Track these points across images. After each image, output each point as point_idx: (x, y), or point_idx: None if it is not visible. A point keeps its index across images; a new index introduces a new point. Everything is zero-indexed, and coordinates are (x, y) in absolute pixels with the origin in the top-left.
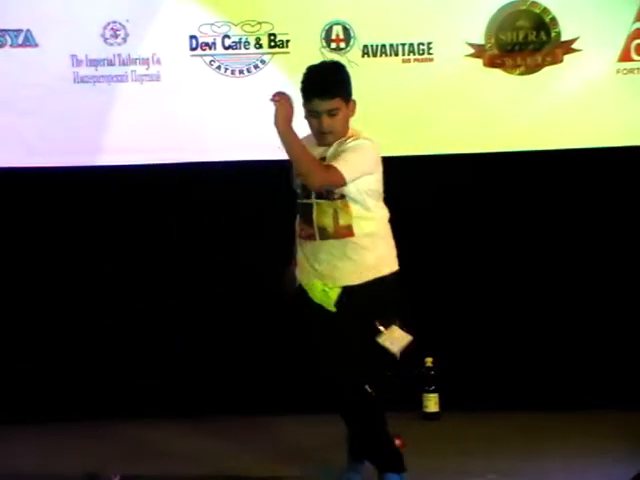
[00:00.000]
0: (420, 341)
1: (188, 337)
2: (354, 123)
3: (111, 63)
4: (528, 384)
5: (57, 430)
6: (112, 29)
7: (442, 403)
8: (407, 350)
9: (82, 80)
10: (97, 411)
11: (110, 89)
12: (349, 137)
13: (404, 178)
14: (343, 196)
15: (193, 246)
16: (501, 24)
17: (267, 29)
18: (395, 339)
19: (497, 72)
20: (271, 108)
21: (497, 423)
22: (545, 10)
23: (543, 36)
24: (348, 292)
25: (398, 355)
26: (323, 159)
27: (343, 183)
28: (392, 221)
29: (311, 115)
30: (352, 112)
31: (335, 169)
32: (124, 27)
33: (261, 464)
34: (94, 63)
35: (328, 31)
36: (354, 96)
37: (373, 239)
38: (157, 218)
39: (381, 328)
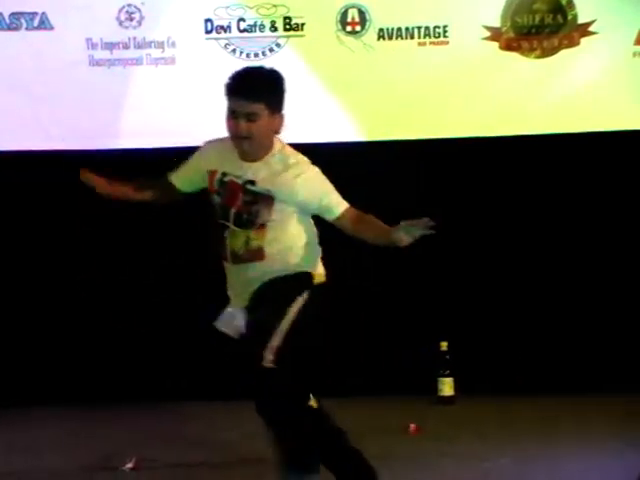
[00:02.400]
0: (435, 325)
1: (200, 321)
2: None
3: (126, 46)
4: (543, 368)
5: (73, 414)
6: (127, 12)
7: (457, 387)
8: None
9: (97, 63)
10: (112, 396)
11: (125, 72)
12: (280, 152)
13: (419, 162)
14: (263, 225)
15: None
16: (517, 7)
17: (282, 12)
18: (229, 320)
19: (513, 55)
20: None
21: (512, 407)
22: None
23: (560, 19)
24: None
25: (234, 334)
26: (251, 182)
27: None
28: (408, 206)
29: (230, 115)
30: (278, 127)
31: (350, 212)
32: (139, 10)
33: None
34: (109, 46)
35: (344, 14)
36: (368, 79)
37: (283, 257)
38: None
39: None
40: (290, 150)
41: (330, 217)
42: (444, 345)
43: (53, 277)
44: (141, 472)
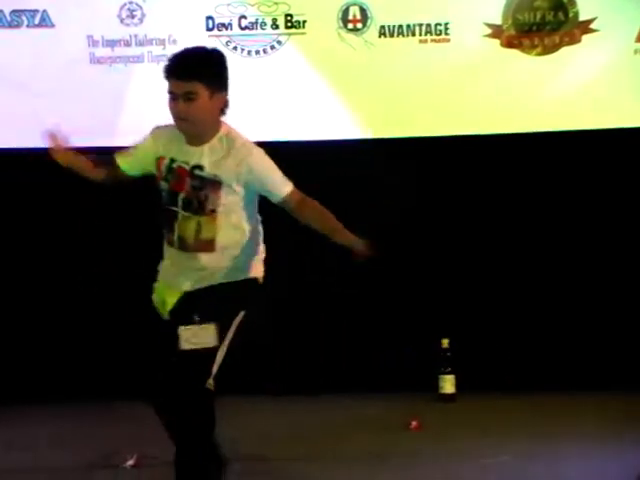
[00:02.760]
0: (436, 323)
1: None
2: None
3: (127, 44)
4: (543, 366)
5: (73, 412)
6: (128, 9)
7: (458, 384)
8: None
9: (98, 61)
10: (113, 393)
11: (126, 70)
12: (226, 136)
13: (420, 159)
14: (214, 210)
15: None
16: (519, 4)
17: (284, 9)
18: (197, 336)
19: (514, 53)
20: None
21: (512, 405)
22: None
23: (561, 16)
24: (186, 298)
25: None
26: (199, 167)
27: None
28: (410, 203)
29: (170, 97)
30: (219, 107)
31: (292, 194)
32: (140, 7)
33: (277, 446)
34: (110, 44)
35: (345, 11)
36: (369, 76)
37: (232, 251)
38: None
39: (195, 319)
40: (236, 133)
41: (275, 198)
42: (445, 343)
43: (54, 275)
44: (142, 470)
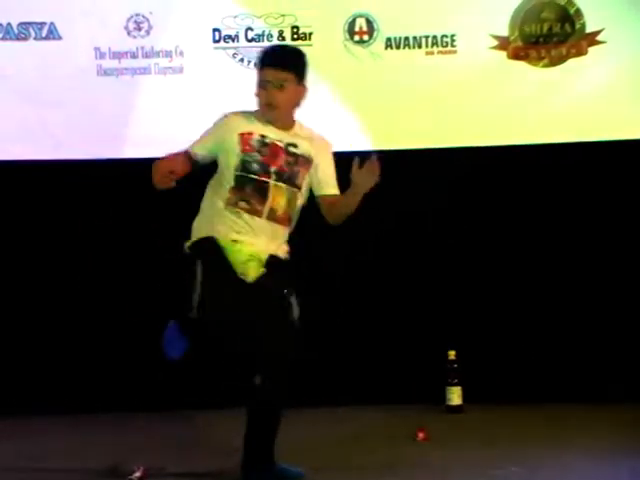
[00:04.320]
0: (443, 334)
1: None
2: None
3: (134, 56)
4: (551, 376)
5: (80, 423)
6: (135, 21)
7: (465, 396)
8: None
9: (105, 73)
10: (121, 403)
11: (133, 82)
12: (302, 126)
13: (426, 170)
14: (300, 187)
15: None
16: (525, 16)
17: (290, 21)
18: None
19: (521, 64)
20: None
21: (520, 416)
22: (570, 2)
23: (568, 28)
24: (270, 263)
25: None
26: (293, 145)
27: None
28: (416, 214)
29: (261, 86)
30: (301, 98)
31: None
32: (147, 19)
33: (284, 457)
34: (117, 56)
35: (351, 23)
36: (376, 88)
37: (289, 231)
38: (181, 209)
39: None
40: (305, 125)
41: (328, 191)
42: (452, 354)
43: (61, 285)
44: None
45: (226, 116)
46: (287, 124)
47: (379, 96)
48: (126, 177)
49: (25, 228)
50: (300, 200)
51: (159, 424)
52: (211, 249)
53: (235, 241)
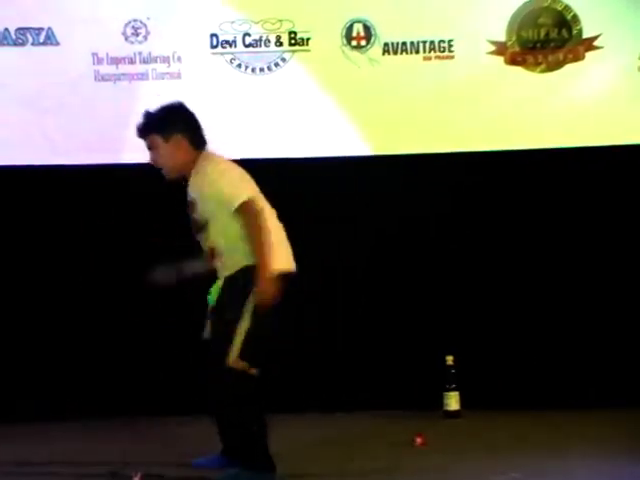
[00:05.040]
0: (441, 340)
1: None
2: None
3: (132, 61)
4: (549, 382)
5: (79, 429)
6: (133, 27)
7: (463, 401)
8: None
9: (103, 78)
10: (121, 408)
11: (131, 87)
12: (199, 164)
13: (424, 176)
14: (206, 225)
15: None
16: (523, 21)
17: (288, 27)
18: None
19: (518, 70)
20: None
21: (518, 421)
22: (567, 7)
23: (565, 33)
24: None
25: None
26: (188, 195)
27: (250, 203)
28: (414, 219)
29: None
30: (178, 148)
31: (240, 208)
32: (145, 25)
33: (281, 463)
34: (115, 61)
35: (349, 29)
36: (373, 93)
37: (230, 250)
38: (178, 216)
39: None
40: (208, 157)
41: (230, 209)
42: (450, 359)
43: (61, 290)
44: None
45: None
46: (187, 174)
47: (377, 101)
48: (124, 182)
49: (24, 233)
50: (213, 229)
51: (158, 429)
52: None
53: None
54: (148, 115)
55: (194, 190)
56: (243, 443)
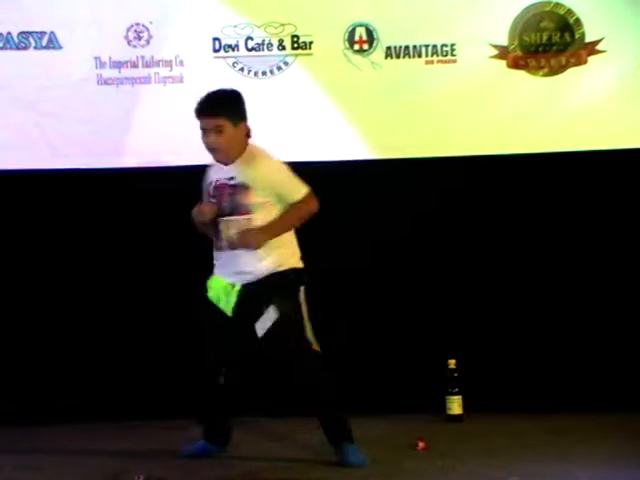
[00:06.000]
0: (443, 343)
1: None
2: None
3: (134, 65)
4: (552, 386)
5: (80, 432)
6: (135, 31)
7: (465, 405)
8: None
9: (105, 82)
10: (121, 413)
11: (133, 91)
12: (249, 152)
13: (426, 179)
14: (249, 212)
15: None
16: (525, 25)
17: (290, 31)
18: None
19: (521, 73)
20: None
21: (521, 425)
22: (569, 11)
23: (567, 37)
24: (245, 289)
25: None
26: (232, 178)
27: (313, 198)
28: (416, 223)
29: (202, 133)
30: (241, 136)
31: (305, 198)
32: (147, 29)
33: (282, 466)
34: (117, 65)
35: (351, 33)
36: (375, 97)
37: (271, 245)
38: (180, 219)
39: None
40: (258, 149)
41: (291, 201)
42: (452, 363)
43: (60, 294)
44: None
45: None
46: (233, 159)
47: (379, 105)
48: (126, 187)
49: (23, 237)
50: (259, 218)
51: (159, 433)
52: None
53: (214, 277)
54: (218, 97)
55: (248, 176)
56: (336, 418)
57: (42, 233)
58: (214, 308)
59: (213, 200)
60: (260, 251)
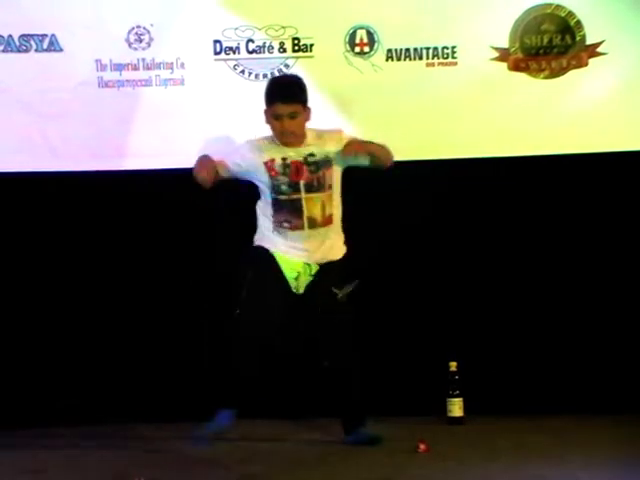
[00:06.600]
0: (444, 346)
1: (212, 341)
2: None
3: (135, 67)
4: (553, 389)
5: (81, 435)
6: (136, 33)
7: (466, 407)
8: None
9: (106, 85)
10: (122, 415)
11: (134, 93)
12: (310, 131)
13: (427, 182)
14: (330, 186)
15: (218, 250)
16: (526, 28)
17: (291, 33)
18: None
19: (522, 76)
20: None
21: (522, 428)
22: (570, 13)
23: (568, 39)
24: (323, 269)
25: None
26: (311, 155)
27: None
28: (417, 226)
29: (275, 118)
30: (309, 118)
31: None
32: (148, 31)
33: (283, 469)
34: (118, 68)
35: (352, 35)
36: (376, 100)
37: (339, 225)
38: (182, 222)
39: (336, 291)
40: (313, 128)
41: (363, 155)
42: (453, 365)
43: (61, 296)
44: None
45: (249, 144)
46: (301, 143)
47: (380, 108)
48: (126, 189)
49: (25, 240)
50: (335, 195)
51: (160, 436)
52: (263, 256)
53: (285, 255)
54: (291, 84)
55: (328, 151)
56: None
57: (43, 235)
58: (272, 285)
59: (282, 177)
60: (337, 235)
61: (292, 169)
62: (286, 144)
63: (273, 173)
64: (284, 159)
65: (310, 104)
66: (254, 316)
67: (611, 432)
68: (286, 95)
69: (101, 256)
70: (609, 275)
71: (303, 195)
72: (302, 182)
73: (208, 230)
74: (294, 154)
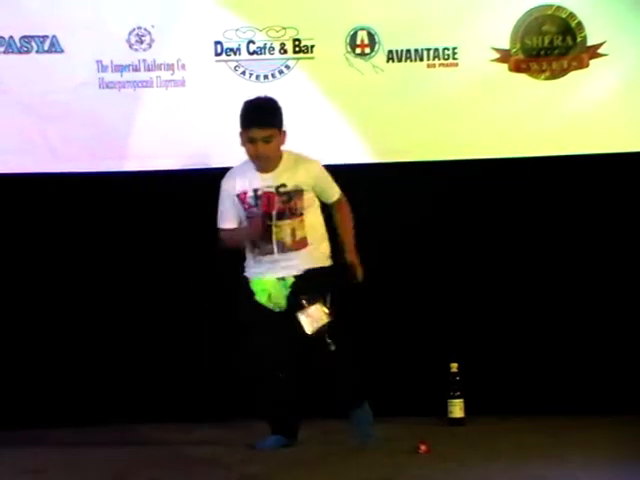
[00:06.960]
0: (445, 347)
1: (212, 341)
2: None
3: (136, 69)
4: (554, 389)
5: (83, 435)
6: (137, 35)
7: (467, 408)
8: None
9: (107, 86)
10: (123, 415)
11: (135, 95)
12: (287, 157)
13: (428, 183)
14: (302, 213)
15: (218, 250)
16: (527, 29)
17: (292, 34)
18: (313, 318)
19: (522, 77)
20: (294, 116)
21: (523, 428)
22: (571, 15)
23: (569, 41)
24: (301, 278)
25: (311, 333)
26: (282, 185)
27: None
28: (418, 227)
29: (249, 142)
30: (283, 141)
31: (341, 197)
32: (149, 33)
33: (283, 469)
34: (119, 69)
35: (353, 36)
36: (377, 101)
37: (319, 243)
38: (182, 223)
39: (304, 302)
40: (292, 152)
41: (329, 200)
42: (454, 366)
43: (61, 297)
44: None
45: (223, 184)
46: (274, 166)
47: (380, 109)
48: (127, 190)
49: (25, 241)
50: (309, 217)
51: (160, 436)
52: (246, 290)
53: (260, 277)
54: (266, 108)
55: (299, 180)
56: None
57: (44, 237)
58: (262, 309)
59: (253, 210)
60: (311, 248)
61: (263, 200)
62: (260, 168)
63: (246, 206)
64: (255, 190)
65: (309, 107)
66: (258, 349)
67: (611, 432)
68: (261, 119)
69: (102, 257)
70: (609, 276)
71: (274, 222)
72: (274, 212)
73: (208, 230)
74: (265, 183)
